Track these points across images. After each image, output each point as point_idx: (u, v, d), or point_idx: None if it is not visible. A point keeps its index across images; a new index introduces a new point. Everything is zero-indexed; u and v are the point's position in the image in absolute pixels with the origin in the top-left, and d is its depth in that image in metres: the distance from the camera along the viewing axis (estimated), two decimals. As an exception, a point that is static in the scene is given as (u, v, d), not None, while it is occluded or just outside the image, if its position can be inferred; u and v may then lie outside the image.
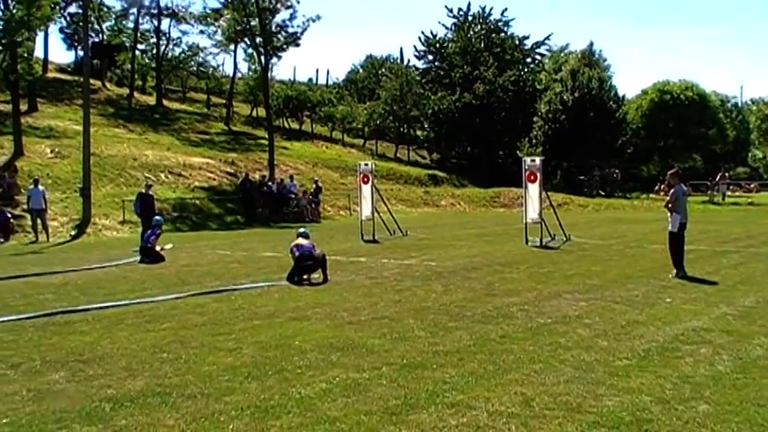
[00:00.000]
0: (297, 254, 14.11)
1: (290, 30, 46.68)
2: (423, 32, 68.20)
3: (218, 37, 59.52)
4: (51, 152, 34.62)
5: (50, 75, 55.51)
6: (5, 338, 9.41)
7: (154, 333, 9.57)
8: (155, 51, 59.17)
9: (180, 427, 5.96)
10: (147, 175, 34.73)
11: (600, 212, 41.35)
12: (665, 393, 6.62)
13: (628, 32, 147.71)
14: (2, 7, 31.20)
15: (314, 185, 37.48)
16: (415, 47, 68.73)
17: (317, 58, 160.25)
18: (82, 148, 29.37)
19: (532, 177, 21.44)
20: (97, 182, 31.25)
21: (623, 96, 59.14)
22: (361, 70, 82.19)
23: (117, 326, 10.10)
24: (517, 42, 67.26)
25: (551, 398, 6.52)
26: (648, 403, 6.35)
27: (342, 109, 61.67)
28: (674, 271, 13.96)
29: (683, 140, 62.12)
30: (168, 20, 59.13)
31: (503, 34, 67.00)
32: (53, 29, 55.76)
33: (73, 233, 27.00)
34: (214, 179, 38.48)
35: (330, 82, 77.87)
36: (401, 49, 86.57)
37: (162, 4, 57.70)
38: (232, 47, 59.37)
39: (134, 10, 57.60)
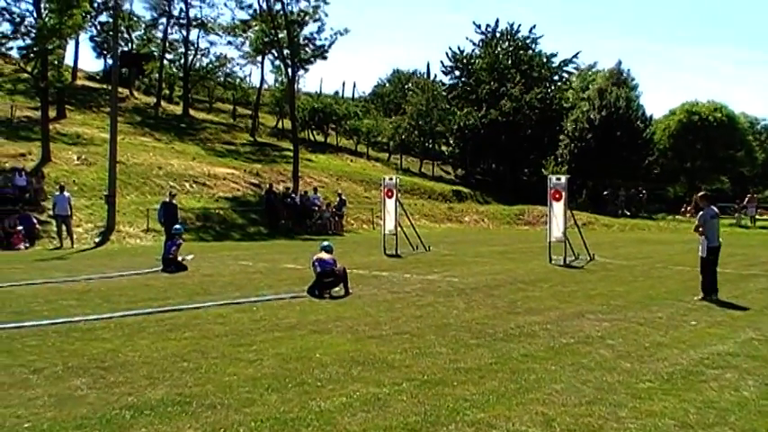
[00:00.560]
0: (318, 269, 14.10)
1: (318, 43, 47.12)
2: (450, 48, 68.50)
3: (246, 48, 60.16)
4: (78, 159, 34.95)
5: (79, 82, 56.24)
6: (29, 343, 9.50)
7: (175, 342, 9.62)
8: (182, 61, 59.85)
9: (199, 436, 5.98)
10: (171, 183, 34.99)
11: (625, 233, 41.06)
12: (689, 418, 6.55)
13: (656, 52, 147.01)
14: (35, 16, 31.66)
15: (338, 198, 37.55)
16: (442, 62, 68.96)
17: (344, 71, 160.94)
18: (108, 156, 29.61)
19: (557, 196, 21.37)
20: (122, 189, 31.53)
21: (651, 116, 58.74)
22: (387, 84, 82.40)
23: (138, 334, 10.16)
24: (545, 60, 67.11)
25: (572, 419, 6.47)
26: (672, 427, 6.29)
27: (367, 123, 61.76)
28: (701, 294, 13.80)
29: (710, 162, 61.66)
30: (197, 30, 59.85)
31: (530, 51, 66.88)
32: (83, 37, 56.65)
33: (97, 240, 27.24)
34: (238, 190, 38.66)
35: (356, 95, 78.34)
36: (428, 64, 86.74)
37: (191, 15, 58.37)
38: (259, 58, 59.77)
39: (163, 20, 58.25)
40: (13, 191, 28.40)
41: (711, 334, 10.48)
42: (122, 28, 54.98)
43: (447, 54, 68.21)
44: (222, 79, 64.79)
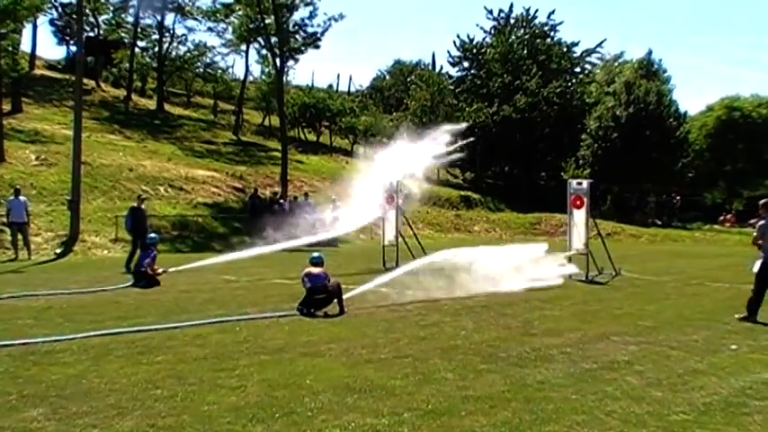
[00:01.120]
0: (308, 285, 14.11)
1: (310, 29, 47.00)
2: (458, 36, 68.88)
3: (229, 35, 59.89)
4: (36, 159, 34.97)
5: (38, 72, 56.32)
6: (-22, 368, 9.49)
7: (147, 366, 9.61)
8: (157, 49, 59.89)
9: (174, 473, 5.97)
10: (144, 187, 35.00)
11: (655, 244, 41.13)
12: (728, 454, 6.55)
13: (692, 40, 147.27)
14: (-15, -5, 31.52)
15: (332, 204, 37.52)
16: (449, 52, 69.35)
17: (339, 61, 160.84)
18: (72, 156, 29.56)
19: (578, 202, 21.38)
20: (87, 194, 31.52)
21: (685, 113, 58.94)
22: (387, 77, 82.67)
23: (105, 357, 10.14)
24: (565, 49, 67.39)
25: (596, 454, 6.47)
26: (708, 465, 6.29)
27: (365, 120, 61.86)
28: (744, 313, 13.76)
29: (754, 164, 61.65)
30: (173, 15, 59.75)
31: (549, 40, 67.19)
32: (42, 20, 56.45)
33: (58, 251, 27.19)
34: (219, 195, 38.70)
35: (352, 89, 78.39)
36: (433, 54, 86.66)
37: (167, -2, 58.23)
38: (243, 47, 59.58)
39: (134, 2, 58.28)
40: (-40, 195, 28.37)
41: (755, 360, 10.48)
42: (88, 11, 54.91)
43: (455, 43, 68.76)
44: (202, 70, 64.51)
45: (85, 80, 43.10)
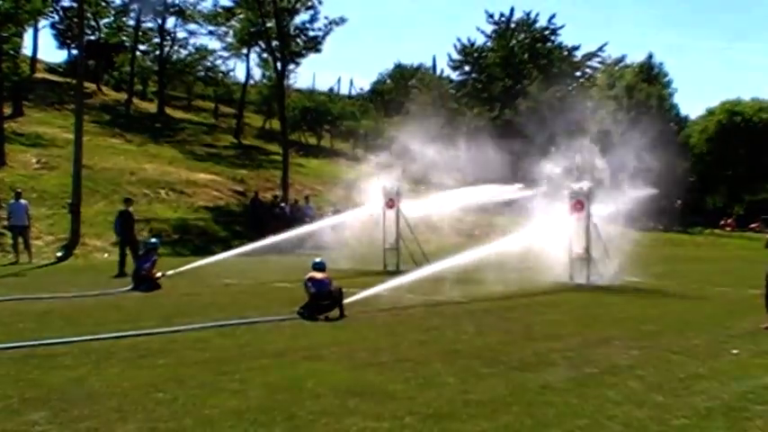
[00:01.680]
0: (313, 290, 14.09)
1: (311, 33, 46.90)
2: (459, 40, 68.55)
3: (230, 39, 59.68)
4: (38, 162, 34.97)
5: (39, 75, 56.13)
6: (-21, 371, 9.50)
7: (148, 370, 9.61)
8: (158, 53, 59.79)
9: (175, 477, 5.98)
10: (145, 191, 34.99)
11: (656, 248, 41.02)
12: (730, 459, 6.56)
13: (692, 44, 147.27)
14: (-13, -1, 31.52)
15: (332, 208, 37.52)
16: (449, 56, 69.13)
17: (340, 65, 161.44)
18: (73, 159, 29.54)
19: (579, 206, 21.38)
20: (89, 198, 31.47)
21: (686, 117, 58.93)
22: (388, 81, 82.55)
23: (107, 361, 10.14)
24: (566, 53, 67.31)
25: (598, 459, 6.48)
26: (710, 469, 6.29)
27: (366, 123, 61.79)
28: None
29: (755, 169, 61.53)
30: (174, 18, 59.58)
31: (550, 44, 67.10)
32: (43, 24, 56.40)
33: (59, 254, 27.15)
34: (220, 198, 38.67)
35: (353, 93, 78.33)
36: (434, 57, 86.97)
37: (168, 1, 58.09)
38: (244, 51, 59.34)
39: (135, 6, 58.24)
40: (-39, 199, 28.38)
41: (757, 365, 10.48)
42: (89, 14, 54.83)
43: (455, 46, 68.47)
44: (203, 74, 64.42)
45: (86, 83, 43.05)
